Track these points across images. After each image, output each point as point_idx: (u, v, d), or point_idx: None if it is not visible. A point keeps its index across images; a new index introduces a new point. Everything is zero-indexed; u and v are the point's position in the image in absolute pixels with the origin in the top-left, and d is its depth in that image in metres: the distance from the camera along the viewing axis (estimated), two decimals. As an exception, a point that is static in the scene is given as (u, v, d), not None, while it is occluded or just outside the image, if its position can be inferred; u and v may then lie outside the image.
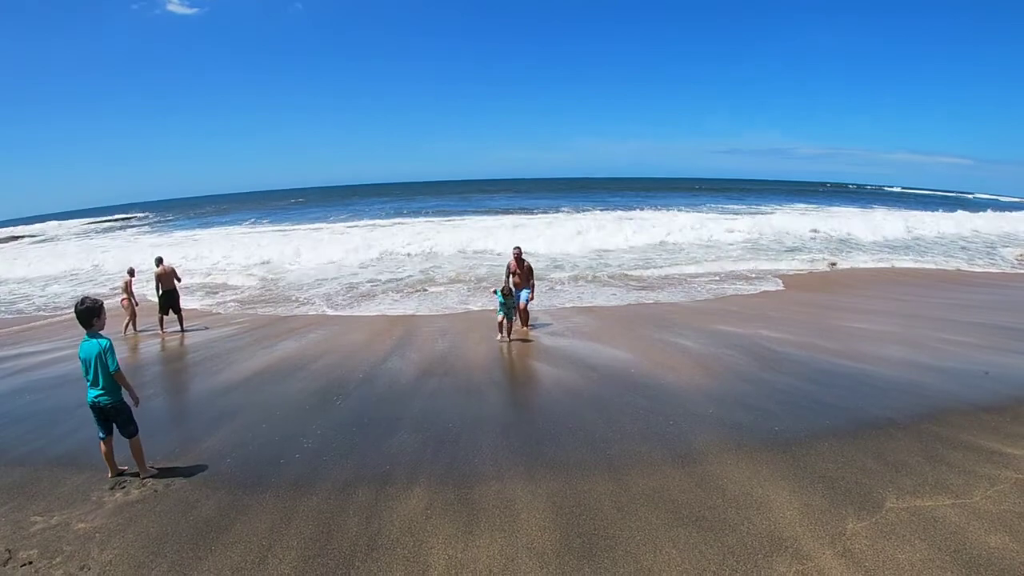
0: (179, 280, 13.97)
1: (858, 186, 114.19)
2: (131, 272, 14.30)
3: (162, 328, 13.71)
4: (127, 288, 13.85)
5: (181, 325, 13.81)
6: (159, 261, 13.95)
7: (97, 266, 27.02)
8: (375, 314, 15.41)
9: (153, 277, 13.91)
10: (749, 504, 5.25)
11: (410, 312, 15.41)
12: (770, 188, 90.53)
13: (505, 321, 11.66)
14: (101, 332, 5.92)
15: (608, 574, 4.33)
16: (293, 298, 17.99)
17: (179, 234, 42.26)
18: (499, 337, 11.75)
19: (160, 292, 13.61)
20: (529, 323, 12.72)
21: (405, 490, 5.77)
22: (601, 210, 46.60)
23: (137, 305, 14.05)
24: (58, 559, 4.63)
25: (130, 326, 13.89)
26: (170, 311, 13.70)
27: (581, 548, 4.67)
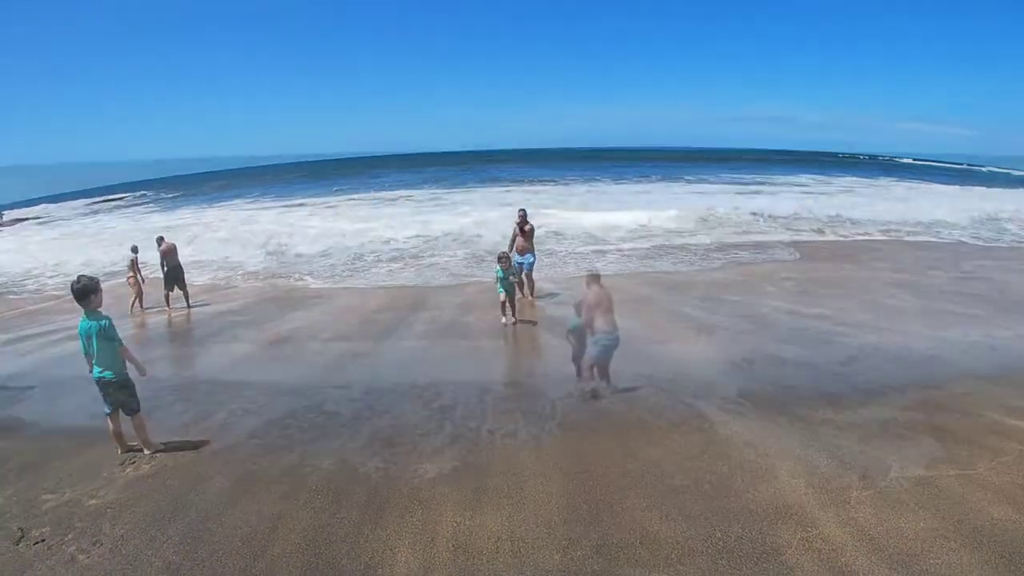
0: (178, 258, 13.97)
1: (870, 156, 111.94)
2: (134, 250, 14.24)
3: (168, 304, 13.76)
4: (133, 266, 13.88)
5: (187, 301, 13.85)
6: (160, 240, 14.03)
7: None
8: (385, 284, 15.48)
9: (158, 256, 13.98)
10: (754, 471, 5.29)
11: (419, 283, 15.41)
12: (783, 159, 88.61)
13: (508, 300, 10.70)
14: (100, 310, 5.93)
15: (614, 540, 4.38)
16: (297, 273, 17.98)
17: (184, 211, 41.93)
18: (503, 320, 10.79)
19: (165, 269, 13.69)
20: (535, 292, 12.57)
21: (414, 459, 5.84)
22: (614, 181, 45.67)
23: (144, 283, 14.21)
24: (70, 535, 4.69)
25: (136, 304, 13.90)
26: (175, 288, 13.75)
27: (587, 514, 4.72)
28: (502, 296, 10.61)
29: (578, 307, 7.87)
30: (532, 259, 12.28)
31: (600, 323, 7.38)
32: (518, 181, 49.73)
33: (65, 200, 51.55)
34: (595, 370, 7.59)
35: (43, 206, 47.08)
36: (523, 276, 12.08)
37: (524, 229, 12.12)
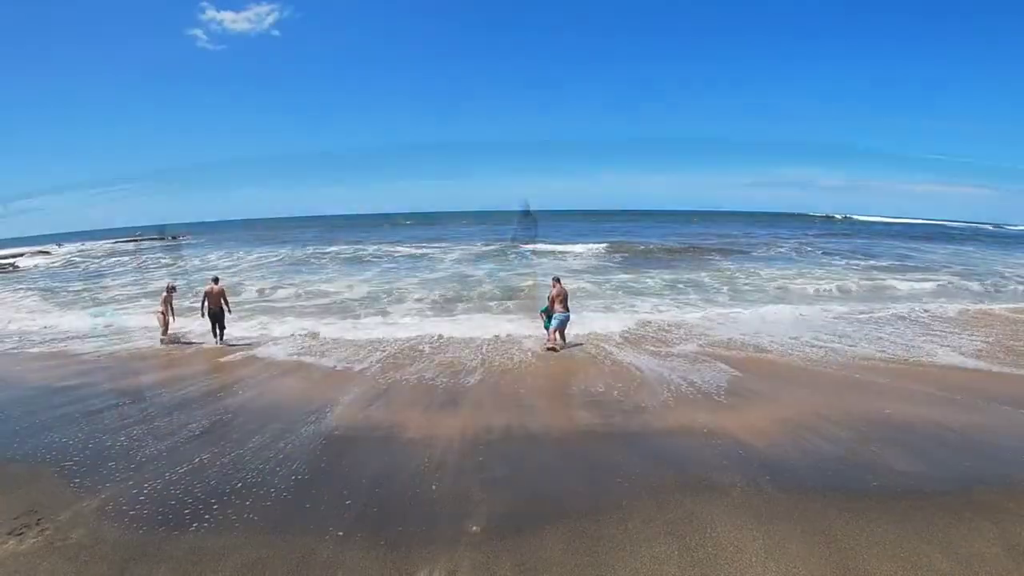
0: (227, 303, 14.27)
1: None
2: (170, 289, 14.73)
3: (215, 340, 14.05)
4: (165, 301, 14.29)
5: (221, 336, 14.05)
6: (216, 280, 14.50)
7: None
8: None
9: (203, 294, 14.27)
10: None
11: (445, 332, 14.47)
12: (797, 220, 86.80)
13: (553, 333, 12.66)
14: None
15: None
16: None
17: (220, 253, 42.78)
18: (548, 343, 12.63)
19: (208, 309, 13.96)
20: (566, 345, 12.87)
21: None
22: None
23: (173, 320, 14.48)
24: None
25: (163, 335, 14.18)
26: (216, 327, 14.09)
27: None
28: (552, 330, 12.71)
29: (548, 298, 12.90)
30: (564, 317, 12.72)
31: (558, 307, 12.58)
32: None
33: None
34: (557, 334, 12.52)
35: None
36: (554, 331, 12.71)
37: (559, 294, 12.81)
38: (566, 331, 12.93)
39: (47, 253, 53.85)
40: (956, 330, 14.10)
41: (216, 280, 14.46)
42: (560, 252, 35.82)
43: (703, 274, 24.80)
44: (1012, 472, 6.33)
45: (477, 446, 7.33)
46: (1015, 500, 5.59)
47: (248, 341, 14.13)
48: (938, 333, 13.82)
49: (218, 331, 14.04)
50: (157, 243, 66.56)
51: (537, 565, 4.71)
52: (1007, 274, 25.88)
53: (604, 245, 37.63)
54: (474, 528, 5.28)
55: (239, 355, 12.80)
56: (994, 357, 11.51)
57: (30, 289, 26.23)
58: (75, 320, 17.34)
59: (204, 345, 13.94)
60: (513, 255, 34.32)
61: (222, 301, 14.04)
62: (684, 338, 13.42)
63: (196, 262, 36.94)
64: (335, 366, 11.62)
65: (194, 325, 14.95)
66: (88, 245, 65.96)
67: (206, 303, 13.92)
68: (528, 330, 14.04)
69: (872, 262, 30.26)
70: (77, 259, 44.64)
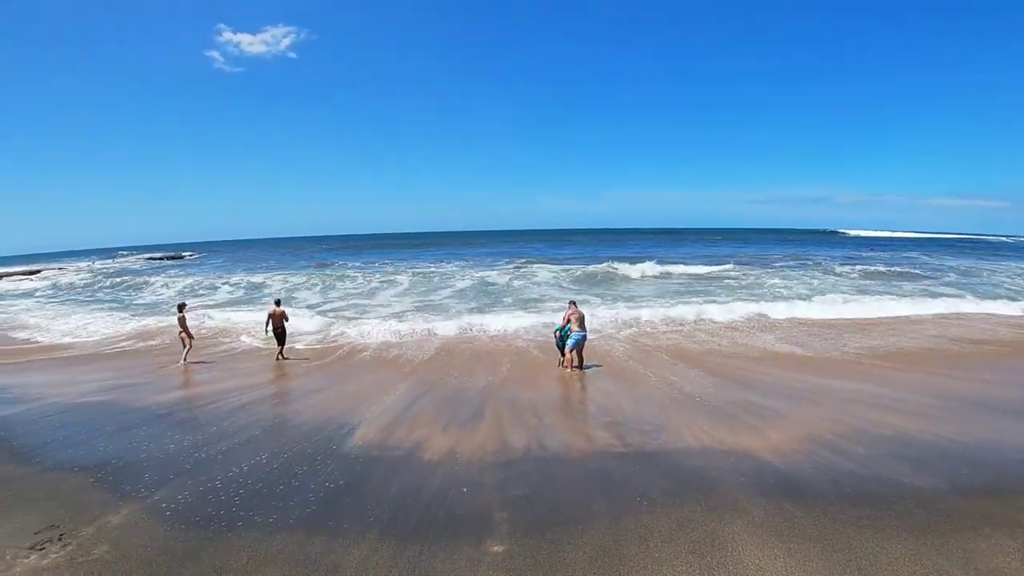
0: (287, 320, 15.50)
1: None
2: (181, 307, 15.29)
3: (279, 356, 14.98)
4: (181, 322, 14.75)
5: (283, 353, 15.08)
6: (278, 302, 15.69)
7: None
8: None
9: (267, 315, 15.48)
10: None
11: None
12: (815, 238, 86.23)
13: (569, 353, 12.68)
14: None
15: None
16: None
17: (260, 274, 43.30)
18: (564, 365, 12.79)
19: (270, 328, 15.09)
20: (584, 365, 12.84)
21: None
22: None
23: (192, 338, 15.07)
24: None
25: (186, 355, 14.57)
26: (280, 344, 15.18)
27: None
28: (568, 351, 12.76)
29: (564, 318, 12.96)
30: (581, 336, 12.74)
31: (575, 327, 12.56)
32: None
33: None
34: (574, 354, 12.53)
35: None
36: (570, 351, 12.71)
37: (569, 314, 12.91)
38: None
39: (62, 269, 54.50)
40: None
41: (278, 302, 15.70)
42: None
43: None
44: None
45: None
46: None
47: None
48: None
49: (281, 348, 15.11)
50: (167, 262, 67.69)
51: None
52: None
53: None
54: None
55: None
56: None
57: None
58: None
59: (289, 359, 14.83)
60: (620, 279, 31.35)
61: (283, 321, 15.22)
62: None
63: (258, 279, 37.17)
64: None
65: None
66: (101, 264, 66.81)
67: (270, 323, 15.13)
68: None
69: None
70: (133, 268, 45.36)
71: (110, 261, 68.40)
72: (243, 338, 18.05)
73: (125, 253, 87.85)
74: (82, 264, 63.48)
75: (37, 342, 18.66)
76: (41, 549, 5.19)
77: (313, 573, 4.85)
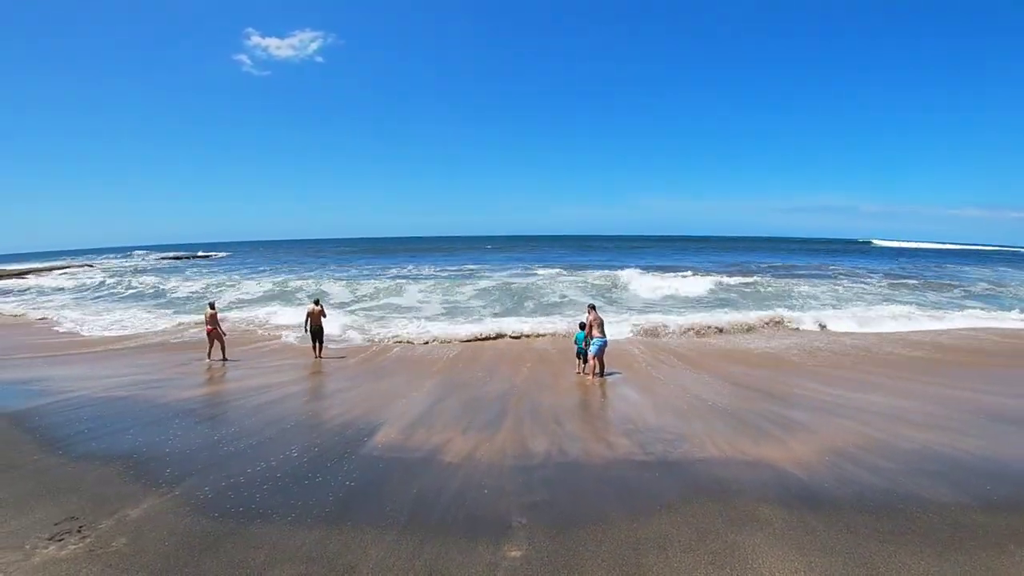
0: (325, 317, 15.73)
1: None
2: (211, 305, 15.35)
3: (315, 354, 15.20)
4: (211, 320, 14.82)
5: (321, 352, 15.32)
6: (316, 301, 15.90)
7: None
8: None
9: (305, 313, 15.74)
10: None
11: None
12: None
13: (593, 360, 12.57)
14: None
15: None
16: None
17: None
18: (583, 372, 12.76)
19: (309, 327, 15.27)
20: (605, 372, 12.60)
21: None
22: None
23: (225, 335, 15.19)
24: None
25: (213, 353, 14.73)
26: (316, 343, 15.33)
27: None
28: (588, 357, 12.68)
29: (581, 325, 12.86)
30: (602, 342, 12.55)
31: (596, 332, 12.43)
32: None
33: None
34: (595, 361, 12.41)
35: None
36: (592, 357, 12.59)
37: (591, 319, 12.67)
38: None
39: (89, 266, 55.69)
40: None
41: (316, 302, 15.84)
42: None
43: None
44: None
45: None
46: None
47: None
48: None
49: (318, 346, 15.27)
50: (195, 260, 68.84)
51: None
52: None
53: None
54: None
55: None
56: None
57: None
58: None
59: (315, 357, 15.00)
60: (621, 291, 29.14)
61: (321, 320, 15.35)
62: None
63: (286, 278, 37.68)
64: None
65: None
66: (117, 261, 68.12)
67: (308, 321, 15.25)
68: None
69: None
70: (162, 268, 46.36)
71: (125, 260, 69.74)
72: (274, 335, 18.32)
73: (142, 253, 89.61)
74: (113, 262, 64.82)
75: (80, 335, 19.23)
76: (60, 540, 5.25)
77: (330, 572, 4.82)
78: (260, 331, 19.40)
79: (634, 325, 18.40)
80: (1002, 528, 5.51)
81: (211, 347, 14.75)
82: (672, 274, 34.03)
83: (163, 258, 74.01)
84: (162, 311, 24.70)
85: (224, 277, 39.35)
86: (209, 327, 14.78)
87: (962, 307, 22.61)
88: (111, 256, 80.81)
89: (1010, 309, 21.82)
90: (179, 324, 20.71)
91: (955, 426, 8.81)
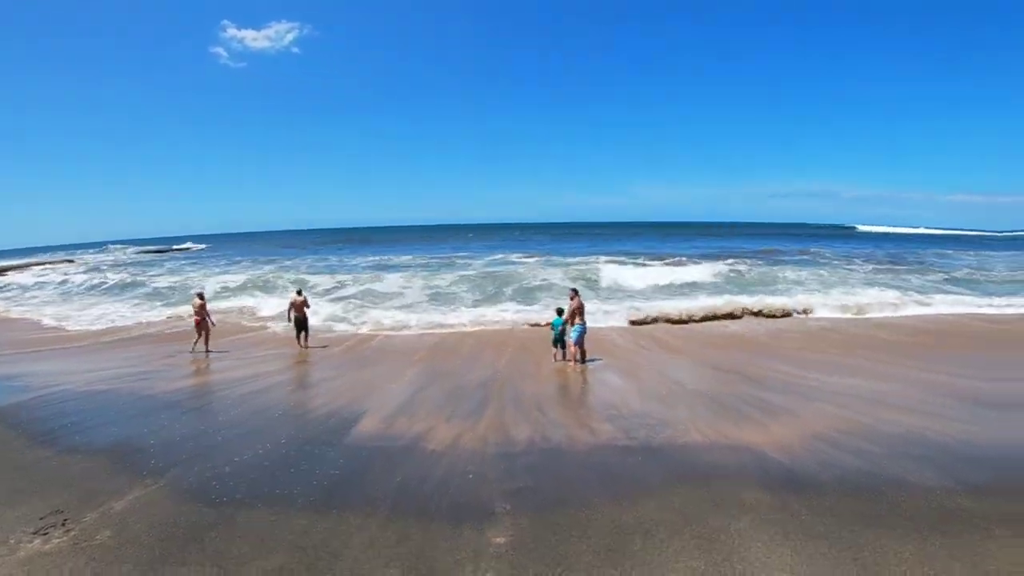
0: (308, 307, 15.49)
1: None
2: (200, 295, 15.19)
3: (299, 344, 15.06)
4: (200, 310, 14.60)
5: (306, 342, 15.14)
6: (299, 291, 15.88)
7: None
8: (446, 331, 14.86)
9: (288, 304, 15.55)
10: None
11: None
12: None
13: (557, 347, 12.78)
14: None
15: None
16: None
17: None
18: (563, 358, 12.69)
19: (292, 317, 15.15)
20: (587, 359, 12.54)
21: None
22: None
23: (214, 326, 15.08)
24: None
25: (199, 344, 14.51)
26: (301, 333, 15.18)
27: None
28: (569, 344, 12.50)
29: (561, 311, 12.83)
30: (582, 329, 12.49)
31: (578, 319, 12.30)
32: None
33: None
34: (575, 348, 12.28)
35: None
36: (573, 345, 12.46)
37: (574, 306, 12.51)
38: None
39: (70, 262, 54.94)
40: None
41: (299, 292, 15.81)
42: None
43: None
44: None
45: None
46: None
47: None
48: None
49: (302, 336, 15.13)
50: (167, 253, 68.18)
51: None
52: None
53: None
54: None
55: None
56: None
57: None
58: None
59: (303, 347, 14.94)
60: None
61: (304, 310, 15.20)
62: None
63: (265, 269, 37.29)
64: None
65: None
66: (99, 257, 67.19)
67: (291, 311, 15.16)
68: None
69: None
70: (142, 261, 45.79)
71: (102, 255, 68.84)
72: (258, 325, 18.24)
73: (118, 247, 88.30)
74: (90, 257, 63.90)
75: (65, 330, 19.07)
76: (45, 534, 5.23)
77: (316, 560, 4.85)
78: (244, 321, 19.26)
79: (616, 312, 18.38)
80: (989, 512, 5.56)
81: (198, 338, 14.57)
82: (655, 260, 34.07)
83: (141, 251, 73.08)
84: (148, 304, 24.50)
85: (206, 268, 38.98)
86: (197, 317, 14.58)
87: (945, 291, 22.80)
88: (86, 251, 79.57)
89: (991, 295, 22.08)
90: (167, 317, 20.52)
91: (938, 410, 8.90)
